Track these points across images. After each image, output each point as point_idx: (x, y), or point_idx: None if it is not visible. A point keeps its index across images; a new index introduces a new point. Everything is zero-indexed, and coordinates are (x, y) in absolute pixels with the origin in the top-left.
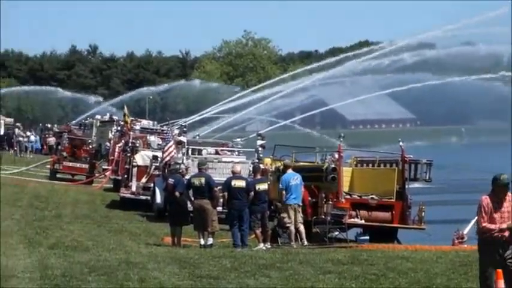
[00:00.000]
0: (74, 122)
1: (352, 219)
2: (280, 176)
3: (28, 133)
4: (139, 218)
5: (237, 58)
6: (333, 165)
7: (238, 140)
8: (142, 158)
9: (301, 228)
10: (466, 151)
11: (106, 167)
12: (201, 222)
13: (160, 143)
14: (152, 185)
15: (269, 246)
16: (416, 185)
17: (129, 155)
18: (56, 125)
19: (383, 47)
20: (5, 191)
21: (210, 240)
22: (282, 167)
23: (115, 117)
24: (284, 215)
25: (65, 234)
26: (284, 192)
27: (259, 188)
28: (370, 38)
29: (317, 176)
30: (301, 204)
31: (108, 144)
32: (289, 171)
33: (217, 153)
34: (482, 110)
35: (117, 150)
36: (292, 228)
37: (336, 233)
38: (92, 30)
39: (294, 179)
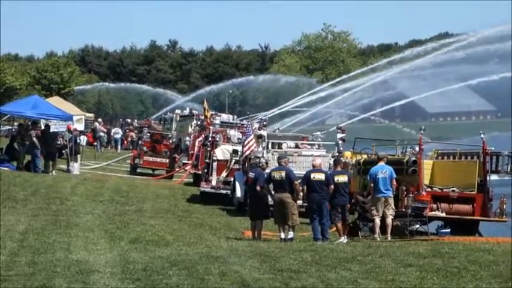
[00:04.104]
0: (154, 116)
1: (433, 212)
2: (360, 170)
3: (117, 129)
4: (219, 212)
5: (316, 51)
6: (414, 158)
7: (318, 133)
8: (222, 152)
9: (389, 221)
10: None
11: (186, 162)
12: (282, 216)
13: (241, 137)
14: (232, 179)
15: (347, 240)
16: (497, 177)
17: (209, 149)
18: (136, 120)
19: (463, 38)
20: (86, 186)
21: (291, 234)
22: (362, 160)
23: (195, 112)
24: (372, 207)
25: (145, 228)
26: (372, 185)
27: (338, 180)
28: (450, 29)
29: (398, 169)
30: (391, 196)
31: (188, 138)
32: (381, 163)
33: (297, 146)
34: None
35: (197, 144)
36: (378, 221)
37: (417, 226)
38: (172, 26)
39: (382, 171)
